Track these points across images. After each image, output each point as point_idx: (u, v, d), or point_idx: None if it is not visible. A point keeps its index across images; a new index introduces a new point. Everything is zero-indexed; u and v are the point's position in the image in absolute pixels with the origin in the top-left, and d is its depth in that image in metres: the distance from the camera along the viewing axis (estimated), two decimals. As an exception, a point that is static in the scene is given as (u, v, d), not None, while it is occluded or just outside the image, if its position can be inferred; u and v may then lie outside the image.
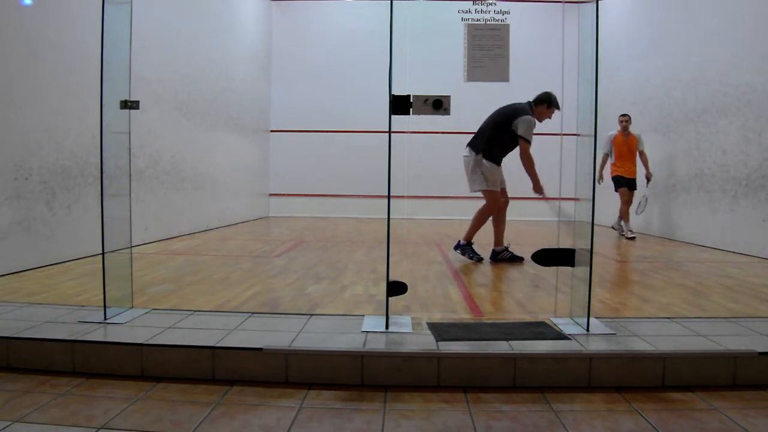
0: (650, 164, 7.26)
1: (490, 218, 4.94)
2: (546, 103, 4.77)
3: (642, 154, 7.27)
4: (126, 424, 1.89)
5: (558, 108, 4.78)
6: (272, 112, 10.62)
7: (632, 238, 6.95)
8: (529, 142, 4.68)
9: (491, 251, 4.97)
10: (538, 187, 4.79)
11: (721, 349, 2.36)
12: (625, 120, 7.22)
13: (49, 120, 4.32)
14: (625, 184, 7.28)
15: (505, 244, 4.98)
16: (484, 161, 4.77)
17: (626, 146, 7.22)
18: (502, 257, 4.89)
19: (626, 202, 7.26)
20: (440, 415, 1.99)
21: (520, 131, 4.67)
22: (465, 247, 4.94)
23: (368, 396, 2.16)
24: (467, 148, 4.91)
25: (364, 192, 10.01)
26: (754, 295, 3.60)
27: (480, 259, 4.90)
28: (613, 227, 7.55)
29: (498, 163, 4.85)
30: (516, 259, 4.87)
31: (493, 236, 4.97)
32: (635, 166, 7.31)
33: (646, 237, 5.98)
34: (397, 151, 2.74)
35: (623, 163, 7.30)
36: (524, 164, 4.74)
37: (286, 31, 10.63)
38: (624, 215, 7.28)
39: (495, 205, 4.85)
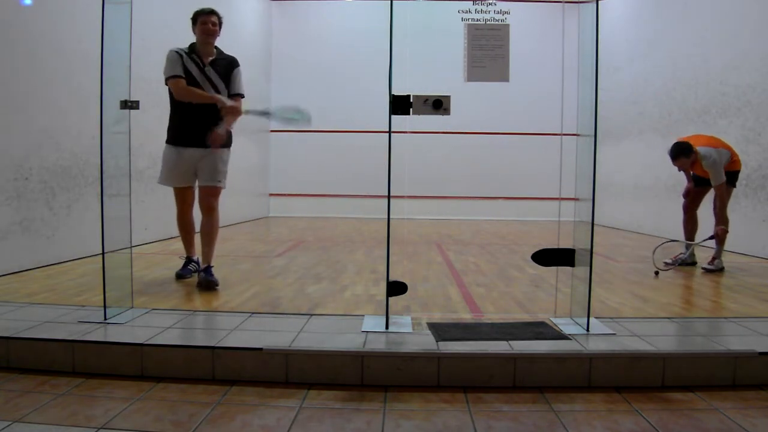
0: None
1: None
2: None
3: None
4: (126, 424, 1.88)
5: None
6: (272, 112, 10.62)
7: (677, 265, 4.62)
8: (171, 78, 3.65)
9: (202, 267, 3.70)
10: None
11: (721, 349, 2.36)
12: None
13: (49, 120, 4.31)
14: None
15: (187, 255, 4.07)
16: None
17: None
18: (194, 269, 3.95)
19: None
20: (440, 415, 1.99)
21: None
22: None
23: (368, 396, 2.16)
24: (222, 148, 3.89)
25: (364, 192, 10.01)
26: (754, 295, 3.60)
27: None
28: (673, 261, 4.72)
29: None
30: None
31: (203, 251, 3.82)
32: None
33: (646, 237, 5.98)
34: (397, 151, 2.74)
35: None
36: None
37: (286, 31, 10.63)
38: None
39: None
